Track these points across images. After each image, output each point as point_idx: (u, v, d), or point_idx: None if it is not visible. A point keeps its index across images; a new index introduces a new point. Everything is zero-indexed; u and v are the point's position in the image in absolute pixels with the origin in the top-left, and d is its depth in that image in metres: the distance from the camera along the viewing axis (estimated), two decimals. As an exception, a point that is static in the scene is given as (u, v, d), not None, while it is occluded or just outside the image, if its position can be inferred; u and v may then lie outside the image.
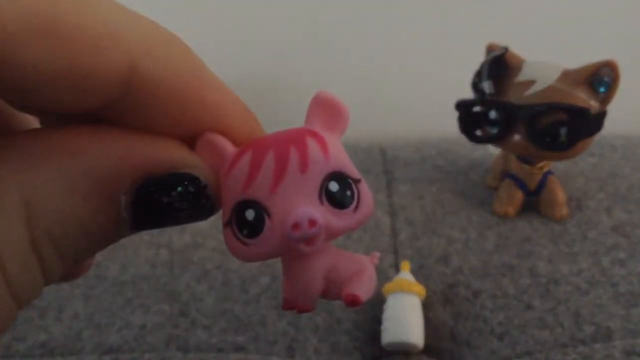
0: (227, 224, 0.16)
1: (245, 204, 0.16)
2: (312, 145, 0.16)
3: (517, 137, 0.40)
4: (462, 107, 0.42)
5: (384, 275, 0.39)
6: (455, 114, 0.43)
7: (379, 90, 0.63)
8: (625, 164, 0.49)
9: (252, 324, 0.36)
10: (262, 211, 0.16)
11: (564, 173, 0.47)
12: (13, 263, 0.13)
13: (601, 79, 0.39)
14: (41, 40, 0.12)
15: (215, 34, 0.62)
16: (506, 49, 0.41)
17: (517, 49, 0.42)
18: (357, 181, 0.16)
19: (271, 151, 0.16)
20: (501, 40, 0.42)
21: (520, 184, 0.43)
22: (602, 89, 0.39)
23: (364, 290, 0.17)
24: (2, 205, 0.13)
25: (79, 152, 0.14)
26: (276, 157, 0.16)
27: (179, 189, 0.15)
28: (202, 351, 0.34)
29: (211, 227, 0.43)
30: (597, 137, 0.40)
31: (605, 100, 0.39)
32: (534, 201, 0.44)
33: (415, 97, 0.61)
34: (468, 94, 0.43)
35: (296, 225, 0.15)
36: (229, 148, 0.16)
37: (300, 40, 0.63)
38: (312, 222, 0.15)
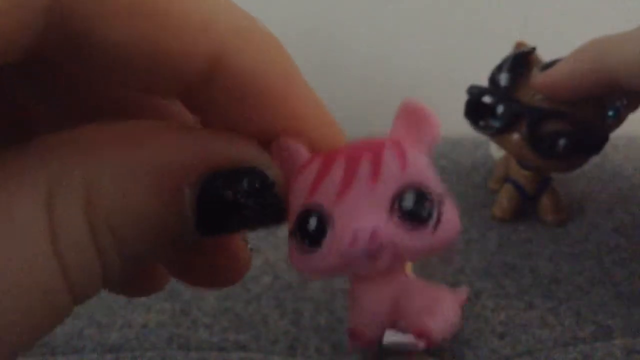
0: (291, 234, 0.15)
1: (309, 211, 0.14)
2: (388, 154, 0.14)
3: (515, 136, 0.39)
4: (473, 93, 0.41)
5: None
6: (457, 115, 0.42)
7: (381, 89, 0.63)
8: (628, 164, 0.49)
9: (254, 322, 0.36)
10: (325, 220, 0.14)
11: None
12: (71, 251, 0.12)
13: (613, 101, 0.37)
14: (127, 18, 0.12)
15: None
16: (534, 49, 0.40)
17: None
18: (439, 197, 0.14)
19: (342, 157, 0.14)
20: (505, 41, 0.42)
21: (519, 188, 0.43)
22: (610, 113, 0.37)
23: (437, 325, 0.15)
24: (61, 187, 0.12)
25: (145, 143, 0.13)
26: (346, 164, 0.14)
27: (245, 183, 0.14)
28: (204, 350, 0.34)
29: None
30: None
31: (610, 126, 0.38)
32: (534, 205, 0.44)
33: (418, 97, 0.60)
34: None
35: (355, 239, 0.13)
36: (304, 155, 0.15)
37: (301, 37, 0.63)
38: (374, 236, 0.13)
